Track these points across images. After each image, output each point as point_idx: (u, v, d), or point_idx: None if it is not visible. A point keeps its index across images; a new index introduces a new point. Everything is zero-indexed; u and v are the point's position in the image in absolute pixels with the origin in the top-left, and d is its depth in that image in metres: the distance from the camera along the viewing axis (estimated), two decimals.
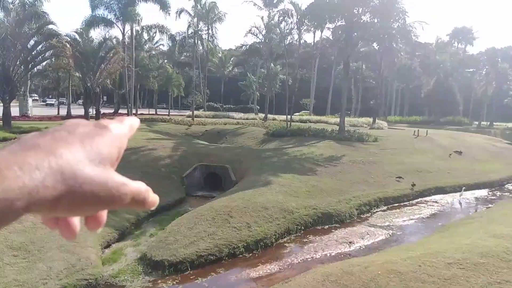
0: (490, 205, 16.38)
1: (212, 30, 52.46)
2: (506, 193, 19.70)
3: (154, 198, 0.47)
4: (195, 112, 41.72)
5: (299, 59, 37.73)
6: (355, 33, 26.52)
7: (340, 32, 28.87)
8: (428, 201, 17.06)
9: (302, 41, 40.18)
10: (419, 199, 17.07)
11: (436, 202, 17.00)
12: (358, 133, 27.10)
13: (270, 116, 43.72)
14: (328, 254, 10.33)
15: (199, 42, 49.70)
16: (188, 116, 41.72)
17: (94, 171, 0.41)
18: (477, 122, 53.42)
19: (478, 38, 77.32)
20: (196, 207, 13.29)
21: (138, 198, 0.45)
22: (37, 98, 79.39)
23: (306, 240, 11.41)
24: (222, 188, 17.26)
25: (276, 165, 18.48)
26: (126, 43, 41.96)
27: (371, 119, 39.61)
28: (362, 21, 26.26)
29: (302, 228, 12.10)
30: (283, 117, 37.93)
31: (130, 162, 17.69)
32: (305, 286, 7.08)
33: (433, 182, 19.06)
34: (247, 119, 41.80)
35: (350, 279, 6.79)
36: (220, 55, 79.51)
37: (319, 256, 10.18)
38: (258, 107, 56.34)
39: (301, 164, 18.67)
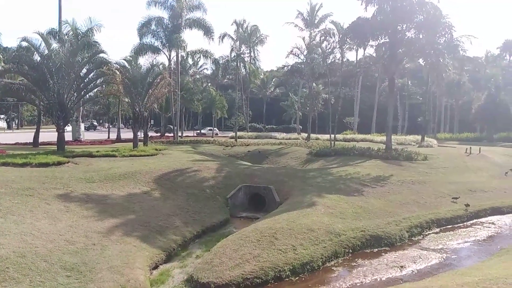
0: None
1: (254, 52, 53.44)
2: None
3: None
4: (238, 133, 42.23)
5: (341, 77, 37.53)
6: (400, 50, 26.00)
7: (383, 49, 28.46)
8: (484, 222, 16.07)
9: (344, 60, 39.93)
10: (474, 221, 16.12)
11: (492, 223, 15.98)
12: (406, 151, 26.24)
13: (313, 135, 43.46)
14: (379, 279, 9.92)
15: (241, 64, 50.69)
16: (231, 137, 42.31)
17: None
18: None
19: None
20: (240, 229, 13.27)
21: None
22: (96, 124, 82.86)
23: (354, 263, 11.04)
24: (266, 209, 17.19)
25: (321, 185, 18.20)
26: (172, 68, 43.63)
27: (419, 137, 38.31)
28: (406, 37, 25.75)
29: (350, 251, 11.73)
30: (326, 136, 37.59)
31: (176, 184, 18.08)
32: None
33: (489, 202, 17.98)
34: (289, 139, 41.78)
35: None
36: (262, 76, 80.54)
37: (368, 281, 9.80)
38: (301, 127, 56.19)
39: (346, 185, 18.27)
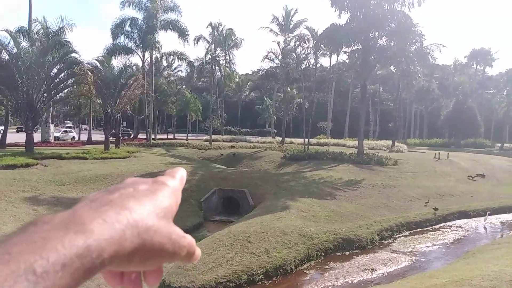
0: None
1: (229, 55, 53.38)
2: None
3: (198, 251, 0.49)
4: (213, 136, 42.02)
5: (315, 82, 37.94)
6: (372, 57, 26.58)
7: (356, 55, 29.01)
8: (451, 226, 16.58)
9: (318, 65, 40.48)
10: (442, 224, 16.61)
11: (460, 227, 16.50)
12: (377, 156, 26.78)
13: (287, 139, 43.73)
14: (350, 282, 10.06)
15: (216, 67, 50.52)
16: (206, 140, 42.07)
17: (161, 224, 0.44)
18: (499, 144, 52.28)
19: (498, 59, 76.42)
20: (214, 232, 13.20)
21: (190, 251, 0.47)
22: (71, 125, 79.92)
23: (326, 266, 11.16)
24: (240, 213, 17.17)
25: (294, 189, 18.33)
26: (146, 69, 43.06)
27: (390, 142, 39.17)
28: (378, 44, 26.35)
29: (323, 254, 11.85)
30: (301, 140, 37.92)
31: None
32: None
33: (456, 206, 18.57)
34: (264, 142, 41.90)
35: None
36: (237, 79, 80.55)
37: (340, 284, 9.92)
38: (275, 131, 56.45)
39: (319, 188, 18.48)
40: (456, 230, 15.98)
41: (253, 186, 19.11)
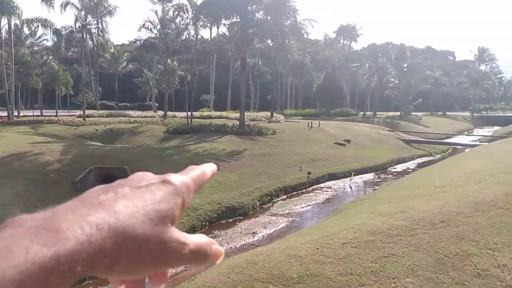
0: (376, 187, 18.07)
1: (102, 24, 49.38)
2: (389, 175, 21.95)
3: (217, 251, 0.45)
4: (87, 112, 39.02)
5: (196, 54, 37.52)
6: (250, 30, 27.19)
7: (236, 28, 29.35)
8: (322, 187, 18.28)
9: (199, 37, 39.96)
10: (315, 186, 18.21)
11: (329, 188, 18.28)
12: (258, 127, 27.90)
13: (170, 113, 42.82)
14: (234, 247, 10.51)
15: (88, 36, 46.46)
16: (79, 116, 38.95)
17: (155, 231, 0.38)
18: (362, 113, 58.58)
19: (362, 35, 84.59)
20: None
21: (199, 255, 0.42)
22: None
23: (211, 235, 11.44)
24: None
25: (178, 163, 18.20)
26: (4, 38, 37.64)
27: (269, 113, 41.06)
28: (256, 18, 27.01)
29: (207, 223, 12.12)
30: (184, 114, 37.45)
31: (13, 170, 15.95)
32: (211, 281, 7.10)
33: (327, 169, 20.46)
34: (145, 117, 40.45)
35: (254, 268, 6.99)
36: (112, 50, 75.29)
37: (224, 249, 10.23)
38: (157, 104, 54.74)
39: (204, 161, 18.46)
40: (327, 191, 17.68)
41: (135, 163, 18.41)
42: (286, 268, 6.85)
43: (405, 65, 57.00)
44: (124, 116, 41.70)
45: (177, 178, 0.44)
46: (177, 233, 0.41)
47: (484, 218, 8.39)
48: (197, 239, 0.43)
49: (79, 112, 42.50)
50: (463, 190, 10.23)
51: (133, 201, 0.39)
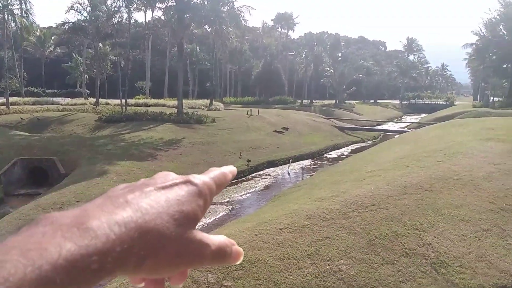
0: (312, 173, 18.61)
1: (25, 4, 45.71)
2: (325, 162, 22.69)
3: (237, 252, 0.45)
4: (11, 99, 36.08)
5: (130, 39, 35.97)
6: (187, 15, 26.50)
7: (172, 13, 28.45)
8: (262, 174, 18.48)
9: (133, 21, 38.28)
10: (254, 174, 18.36)
11: (269, 175, 18.53)
12: (197, 115, 27.50)
13: (102, 100, 40.84)
14: None
15: (10, 18, 42.77)
16: (2, 104, 35.91)
17: (178, 232, 0.38)
18: (300, 101, 59.86)
19: (299, 24, 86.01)
20: (19, 207, 11.65)
21: (220, 255, 0.43)
22: None
23: None
24: (50, 183, 15.47)
25: (112, 152, 17.43)
26: None
27: (208, 101, 40.59)
28: (193, 2, 26.35)
29: None
30: (118, 101, 35.88)
31: None
32: None
33: (266, 157, 20.70)
34: (75, 104, 38.27)
35: None
36: (38, 33, 70.09)
37: None
38: (88, 91, 51.91)
39: (139, 150, 18.02)
40: (266, 178, 17.90)
41: (64, 153, 17.37)
42: None
43: (340, 55, 59.02)
44: (52, 104, 39.10)
45: (199, 179, 0.44)
46: (199, 234, 0.41)
47: (411, 200, 8.92)
48: (218, 240, 0.43)
49: (1, 100, 39.16)
50: (392, 174, 10.80)
51: (158, 201, 0.39)
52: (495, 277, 7.00)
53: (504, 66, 55.15)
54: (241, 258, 0.46)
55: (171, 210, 0.39)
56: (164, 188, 0.41)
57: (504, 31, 54.54)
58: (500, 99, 56.45)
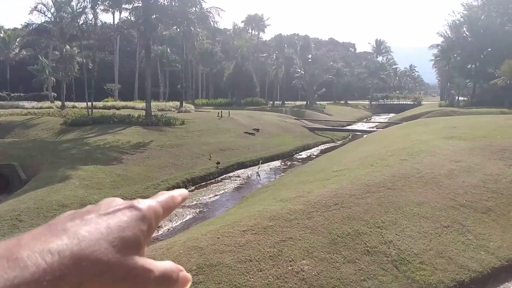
0: (282, 174, 18.64)
1: None
2: (295, 162, 22.78)
3: (184, 278, 0.44)
4: None
5: (98, 40, 35.13)
6: (154, 15, 26.10)
7: (139, 13, 27.98)
8: (231, 176, 18.36)
9: (101, 22, 37.45)
10: (224, 176, 18.22)
11: (238, 176, 18.43)
12: (166, 117, 27.10)
13: (69, 103, 39.69)
14: None
15: None
16: None
17: (118, 258, 0.37)
18: (272, 102, 60.09)
19: (269, 26, 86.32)
20: None
21: (165, 282, 0.41)
22: None
23: None
24: (10, 190, 14.86)
25: (76, 157, 16.93)
26: None
27: (178, 103, 40.12)
28: (159, 3, 25.98)
29: None
30: (85, 104, 34.96)
31: None
32: None
33: (236, 158, 20.59)
34: (41, 108, 37.02)
35: None
36: (2, 35, 67.72)
37: None
38: (55, 94, 50.48)
39: (105, 154, 17.58)
40: (236, 180, 17.80)
41: (26, 158, 16.74)
42: (185, 260, 6.67)
43: (310, 56, 59.57)
44: (17, 108, 37.76)
45: (144, 204, 0.43)
46: (142, 260, 0.40)
47: (374, 199, 9.03)
48: (163, 266, 0.42)
49: None
50: (357, 174, 10.91)
51: (98, 228, 0.38)
52: (454, 273, 7.15)
53: (468, 66, 57.12)
54: (189, 284, 0.45)
55: (111, 236, 0.38)
56: (106, 214, 0.40)
57: (467, 33, 56.49)
58: (465, 98, 58.47)
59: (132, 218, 0.41)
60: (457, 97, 55.79)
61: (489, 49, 52.59)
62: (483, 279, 7.17)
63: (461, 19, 57.28)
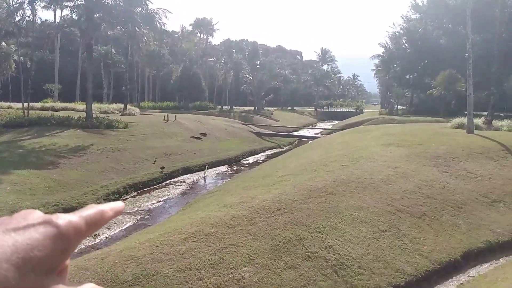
0: (228, 179, 18.53)
1: None
2: (241, 167, 22.75)
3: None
4: None
5: (35, 38, 33.12)
6: (97, 14, 25.08)
7: (80, 11, 26.79)
8: (176, 181, 17.96)
9: (39, 19, 35.38)
10: (169, 181, 17.77)
11: (183, 182, 18.07)
12: (108, 120, 26.07)
13: (4, 104, 37.10)
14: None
15: None
16: None
17: (23, 281, 0.32)
18: (220, 107, 59.87)
19: (218, 30, 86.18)
20: None
21: None
22: None
23: None
24: None
25: (8, 160, 15.80)
26: None
27: (122, 105, 38.80)
28: (103, 2, 25.02)
29: None
30: (21, 105, 32.80)
31: None
32: None
33: (181, 163, 20.19)
34: None
35: (85, 274, 6.33)
36: None
37: None
38: None
39: (40, 158, 16.53)
40: (181, 185, 17.42)
41: None
42: (120, 270, 6.37)
43: (258, 62, 60.14)
44: None
45: (64, 219, 0.38)
46: (55, 283, 0.35)
47: (316, 204, 9.16)
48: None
49: None
50: (300, 179, 11.06)
51: (1, 246, 0.33)
52: (390, 276, 7.38)
53: (407, 77, 60.37)
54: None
55: (15, 256, 0.33)
56: (15, 230, 0.35)
57: (406, 44, 59.71)
58: (404, 107, 61.68)
59: (46, 235, 0.35)
60: (396, 106, 58.67)
61: (426, 61, 55.88)
62: (418, 282, 7.47)
63: (401, 31, 60.49)
